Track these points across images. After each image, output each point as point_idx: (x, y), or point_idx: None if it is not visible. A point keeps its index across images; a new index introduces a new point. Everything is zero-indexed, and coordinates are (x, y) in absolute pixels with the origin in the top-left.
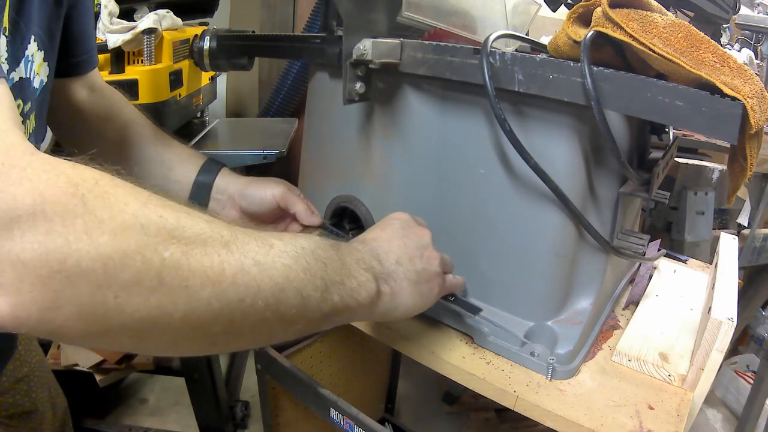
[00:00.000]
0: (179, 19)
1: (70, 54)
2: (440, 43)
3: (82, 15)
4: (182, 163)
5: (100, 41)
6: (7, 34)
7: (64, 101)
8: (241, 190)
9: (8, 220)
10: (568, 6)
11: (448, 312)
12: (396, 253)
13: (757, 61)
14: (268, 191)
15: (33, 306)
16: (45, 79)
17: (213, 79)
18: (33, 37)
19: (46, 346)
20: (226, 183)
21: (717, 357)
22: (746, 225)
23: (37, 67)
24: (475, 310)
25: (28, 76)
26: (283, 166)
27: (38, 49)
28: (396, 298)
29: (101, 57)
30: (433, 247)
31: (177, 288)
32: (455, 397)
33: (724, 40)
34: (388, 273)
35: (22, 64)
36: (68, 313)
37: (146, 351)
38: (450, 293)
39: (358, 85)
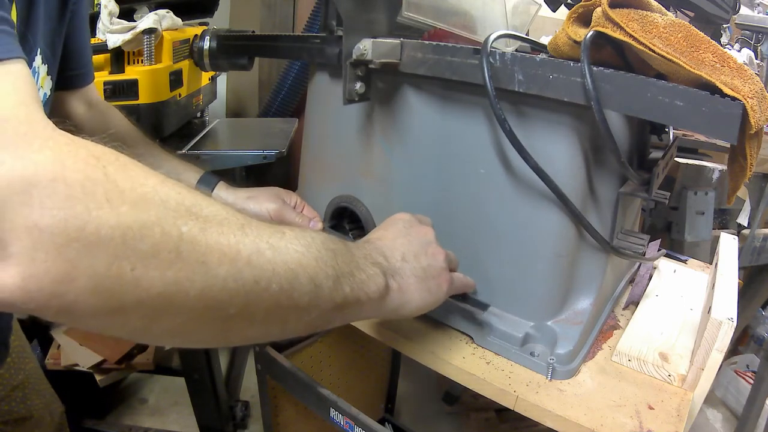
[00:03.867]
0: (179, 19)
1: (67, 68)
2: (440, 43)
3: (78, 29)
4: (180, 176)
5: (100, 41)
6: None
7: (62, 114)
8: (237, 205)
9: (27, 186)
10: (568, 6)
11: (449, 312)
12: (401, 251)
13: (757, 61)
14: (264, 207)
15: (46, 277)
16: (48, 92)
17: (213, 79)
18: (39, 50)
19: (45, 346)
20: (224, 197)
21: (717, 357)
22: (746, 225)
23: (41, 80)
24: (484, 306)
25: None
26: (283, 166)
27: (42, 62)
28: (405, 295)
29: (101, 57)
30: (437, 244)
31: (194, 263)
32: (455, 397)
33: (724, 40)
34: (395, 269)
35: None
36: (82, 286)
37: (158, 336)
38: (460, 293)
39: (358, 85)
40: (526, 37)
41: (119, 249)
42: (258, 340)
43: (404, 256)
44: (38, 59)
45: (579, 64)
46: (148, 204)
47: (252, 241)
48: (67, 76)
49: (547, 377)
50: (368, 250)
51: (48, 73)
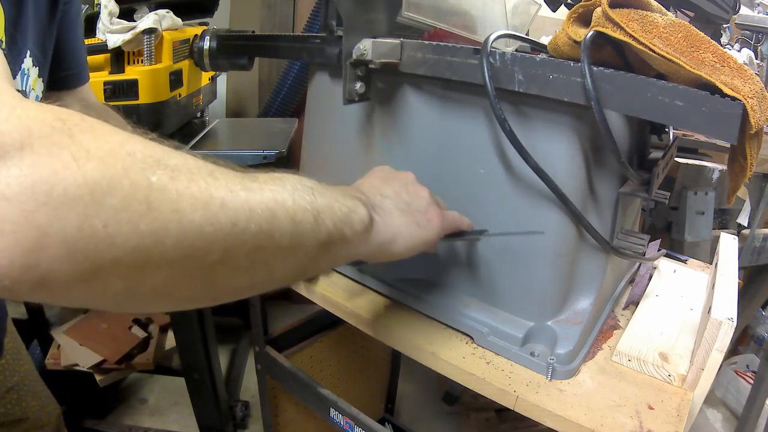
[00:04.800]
0: (179, 19)
1: (60, 68)
2: (440, 43)
3: (70, 29)
4: None
5: (100, 41)
6: (3, 47)
7: None
8: None
9: None
10: (568, 6)
11: (449, 312)
12: (379, 189)
13: (757, 61)
14: None
15: (16, 249)
16: (40, 95)
17: (213, 79)
18: (29, 52)
19: (45, 346)
20: None
21: (717, 357)
22: (746, 225)
23: (32, 82)
24: (481, 232)
25: (23, 89)
26: (283, 166)
27: (33, 64)
28: (390, 228)
29: (101, 57)
30: (418, 183)
31: (167, 212)
32: (455, 397)
33: (724, 40)
34: (375, 203)
35: (18, 78)
36: (55, 252)
37: (143, 298)
38: (457, 232)
39: (358, 85)
40: (526, 37)
41: (89, 207)
42: (247, 291)
43: (383, 193)
44: (28, 61)
45: (579, 64)
46: (115, 158)
47: (224, 185)
48: (60, 76)
49: (547, 377)
50: (345, 188)
51: (39, 75)
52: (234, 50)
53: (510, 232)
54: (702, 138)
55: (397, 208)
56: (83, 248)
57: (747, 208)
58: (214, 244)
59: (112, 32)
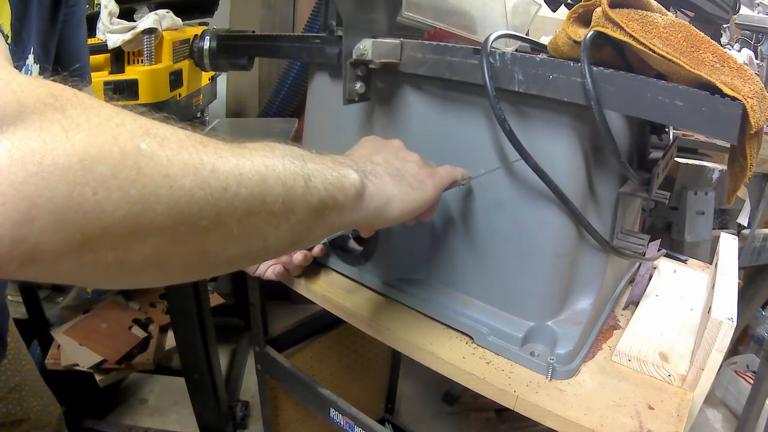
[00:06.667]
0: (179, 19)
1: (63, 70)
2: (440, 43)
3: (74, 33)
4: None
5: (100, 41)
6: (9, 42)
7: None
8: None
9: None
10: (568, 6)
11: (449, 312)
12: (369, 157)
13: (757, 61)
14: None
15: (6, 222)
16: None
17: (213, 79)
18: (32, 49)
19: (45, 346)
20: None
21: (717, 357)
22: (746, 225)
23: None
24: (469, 179)
25: None
26: None
27: (35, 62)
28: (383, 192)
29: (101, 57)
30: (407, 149)
31: (157, 177)
32: (455, 397)
33: (724, 40)
34: (365, 170)
35: (22, 72)
36: (44, 223)
37: (136, 270)
38: (452, 185)
39: (358, 85)
40: (526, 37)
41: (78, 175)
42: (241, 261)
43: (373, 160)
44: (31, 58)
45: (579, 64)
46: (105, 129)
47: (213, 151)
48: (63, 77)
49: (547, 377)
50: (335, 156)
51: (40, 74)
52: (234, 50)
53: (483, 173)
54: (702, 138)
55: (388, 173)
56: (72, 218)
57: (747, 208)
58: (205, 209)
59: (112, 32)
